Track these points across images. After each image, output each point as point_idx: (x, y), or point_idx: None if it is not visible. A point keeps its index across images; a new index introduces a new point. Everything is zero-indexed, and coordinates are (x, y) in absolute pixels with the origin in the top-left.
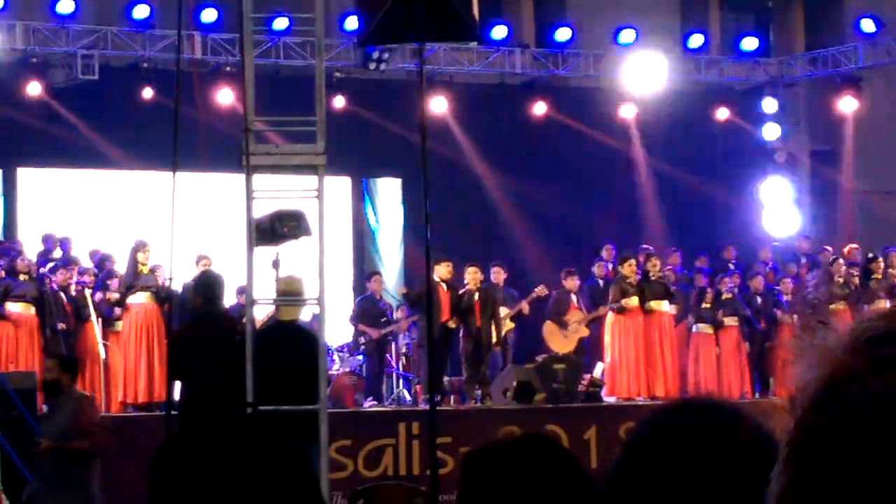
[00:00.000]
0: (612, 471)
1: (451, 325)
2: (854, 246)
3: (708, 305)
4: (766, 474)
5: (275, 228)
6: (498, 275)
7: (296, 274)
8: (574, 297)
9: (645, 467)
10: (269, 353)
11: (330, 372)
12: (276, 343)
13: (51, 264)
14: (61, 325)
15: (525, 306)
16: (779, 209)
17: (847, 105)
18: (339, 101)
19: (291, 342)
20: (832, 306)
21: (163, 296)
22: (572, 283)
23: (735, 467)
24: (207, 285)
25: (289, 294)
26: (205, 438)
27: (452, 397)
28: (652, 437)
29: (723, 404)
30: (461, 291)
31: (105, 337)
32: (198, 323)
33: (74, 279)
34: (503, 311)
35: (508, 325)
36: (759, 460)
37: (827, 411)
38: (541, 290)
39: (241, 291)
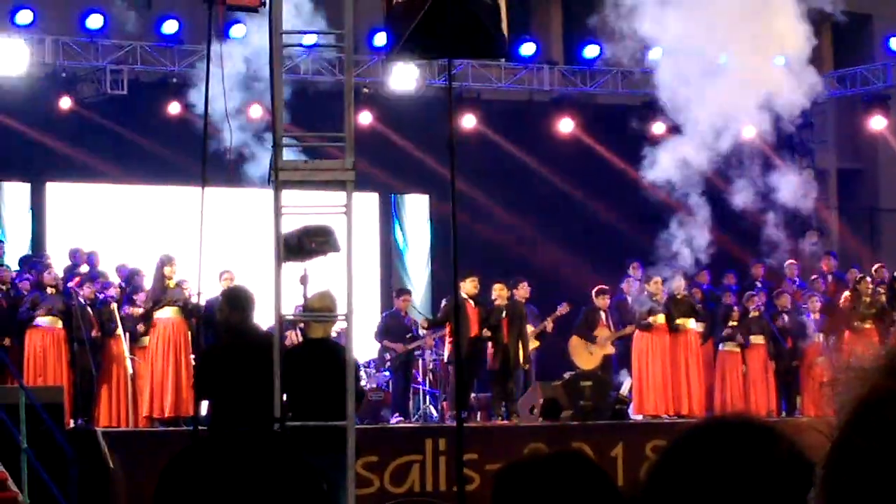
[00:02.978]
0: (645, 488)
1: (485, 333)
2: (881, 265)
3: (735, 323)
4: (802, 494)
5: (303, 244)
6: (522, 291)
7: (327, 290)
8: (603, 315)
9: (680, 485)
10: (299, 371)
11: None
12: (306, 361)
13: (78, 278)
14: (95, 333)
15: (549, 324)
16: (805, 227)
17: (876, 123)
18: (367, 117)
19: (321, 359)
20: (859, 325)
21: (190, 309)
22: (603, 301)
23: (772, 487)
24: (244, 299)
25: (319, 310)
26: (213, 454)
27: (479, 414)
28: (688, 455)
29: (757, 423)
30: (490, 307)
31: (132, 351)
32: (232, 337)
33: (101, 293)
34: (527, 328)
35: (533, 342)
36: (796, 480)
37: (863, 433)
38: (563, 309)
39: None
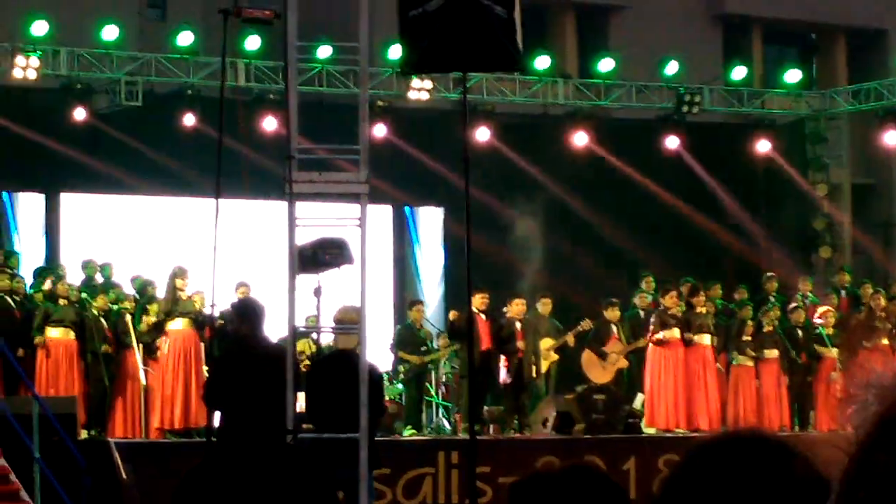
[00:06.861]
0: (658, 502)
1: (492, 350)
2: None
3: (748, 338)
4: None
5: (317, 256)
6: (545, 306)
7: (353, 304)
8: (614, 328)
9: (694, 500)
10: (322, 381)
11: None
12: (329, 371)
13: (91, 289)
14: (109, 346)
15: (570, 339)
16: (818, 241)
17: (890, 138)
18: (381, 130)
19: (344, 370)
20: (873, 340)
21: (202, 321)
22: (613, 313)
23: (789, 502)
24: (254, 311)
25: (342, 322)
26: (230, 467)
27: (492, 427)
28: (701, 470)
29: (771, 438)
30: (501, 321)
31: (145, 363)
32: (242, 349)
33: (115, 305)
34: (548, 342)
35: (553, 356)
36: (810, 496)
37: (884, 449)
38: (585, 324)
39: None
